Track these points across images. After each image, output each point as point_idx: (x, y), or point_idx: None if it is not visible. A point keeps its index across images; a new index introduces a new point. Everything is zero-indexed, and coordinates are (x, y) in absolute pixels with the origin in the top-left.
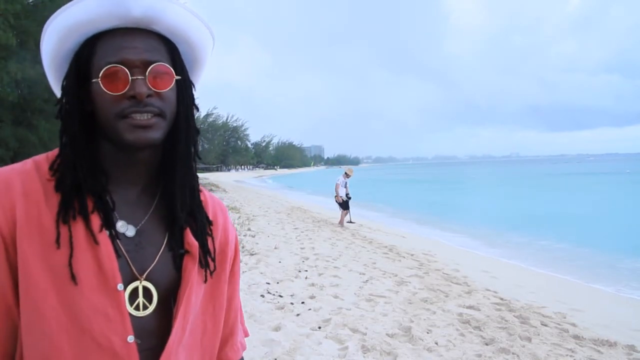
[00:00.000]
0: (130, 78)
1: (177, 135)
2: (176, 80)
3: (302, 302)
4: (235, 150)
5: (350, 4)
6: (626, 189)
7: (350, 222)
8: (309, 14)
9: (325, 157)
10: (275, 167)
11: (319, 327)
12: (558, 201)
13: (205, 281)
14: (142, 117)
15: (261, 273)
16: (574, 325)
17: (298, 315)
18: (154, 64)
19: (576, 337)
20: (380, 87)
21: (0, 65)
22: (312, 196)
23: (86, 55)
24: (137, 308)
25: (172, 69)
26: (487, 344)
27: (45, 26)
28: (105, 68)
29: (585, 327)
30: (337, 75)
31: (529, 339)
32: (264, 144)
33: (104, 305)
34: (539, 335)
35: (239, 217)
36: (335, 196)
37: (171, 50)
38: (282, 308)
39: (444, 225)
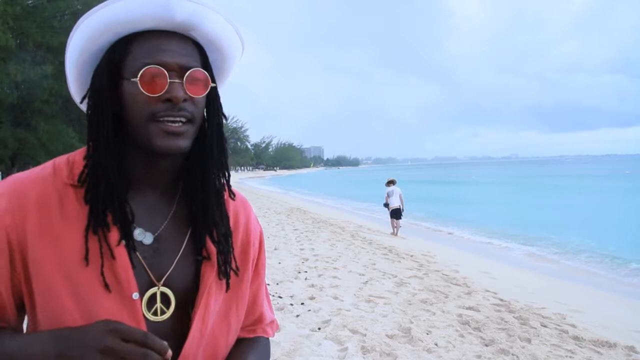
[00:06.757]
0: (168, 81)
1: (209, 144)
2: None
3: (302, 303)
4: (235, 152)
5: (352, 3)
6: (626, 190)
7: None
8: (310, 14)
9: (325, 158)
10: (275, 168)
11: (319, 328)
12: (557, 202)
13: (227, 290)
14: (174, 124)
15: None
16: (573, 326)
17: (298, 316)
18: (192, 70)
19: (576, 338)
20: (381, 88)
21: (0, 67)
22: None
23: (120, 54)
24: (155, 313)
25: (208, 75)
26: (486, 345)
27: (80, 21)
28: (145, 68)
29: (585, 328)
30: (338, 76)
31: (529, 340)
32: (263, 145)
33: (120, 313)
34: (538, 336)
35: None
36: (399, 206)
37: (203, 58)
38: (282, 309)
39: (444, 225)
